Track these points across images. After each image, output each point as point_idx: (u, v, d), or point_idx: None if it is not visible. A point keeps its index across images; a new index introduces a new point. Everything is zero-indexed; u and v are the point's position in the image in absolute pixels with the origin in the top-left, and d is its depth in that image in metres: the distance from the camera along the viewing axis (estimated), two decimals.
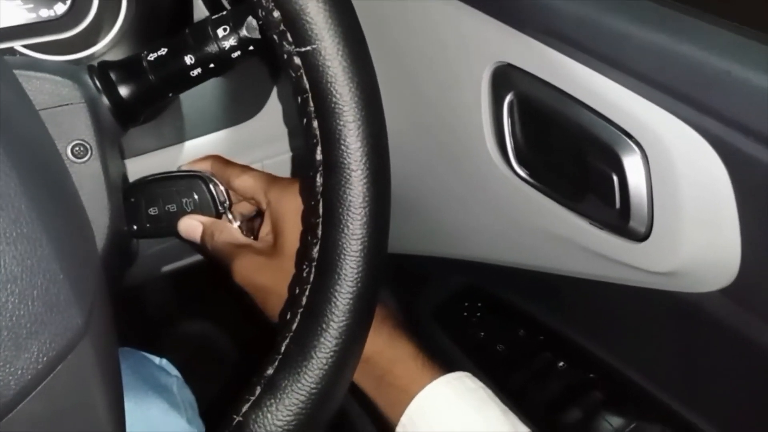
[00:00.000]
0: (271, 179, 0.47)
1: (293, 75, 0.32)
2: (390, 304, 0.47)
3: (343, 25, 0.31)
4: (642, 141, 0.38)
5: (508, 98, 0.45)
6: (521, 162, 0.46)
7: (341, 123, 0.31)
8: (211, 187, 0.47)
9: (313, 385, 0.31)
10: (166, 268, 0.74)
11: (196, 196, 0.48)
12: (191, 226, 0.48)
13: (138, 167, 0.56)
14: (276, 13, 0.31)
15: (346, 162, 0.32)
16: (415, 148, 0.55)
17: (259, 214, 0.50)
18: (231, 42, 0.40)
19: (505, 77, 0.44)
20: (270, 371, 0.32)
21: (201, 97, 0.57)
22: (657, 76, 0.37)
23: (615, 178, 0.40)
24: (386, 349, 0.42)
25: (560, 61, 0.40)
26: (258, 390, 0.32)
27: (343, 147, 0.31)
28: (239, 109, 0.58)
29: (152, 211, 0.49)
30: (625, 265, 0.42)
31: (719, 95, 0.35)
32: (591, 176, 0.41)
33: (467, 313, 0.59)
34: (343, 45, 0.31)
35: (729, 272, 0.38)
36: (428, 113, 0.52)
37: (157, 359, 0.55)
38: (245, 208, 0.50)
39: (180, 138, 0.57)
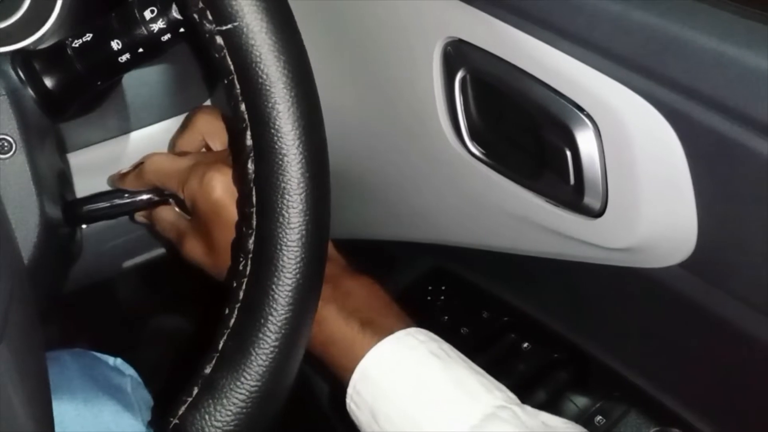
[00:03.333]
0: (187, 170, 0.43)
1: (216, 56, 0.30)
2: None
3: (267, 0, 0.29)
4: (594, 114, 0.37)
5: (459, 74, 0.44)
6: (475, 140, 0.45)
7: (269, 105, 0.29)
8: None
9: (253, 384, 0.30)
10: (128, 263, 0.72)
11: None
12: (140, 221, 0.51)
13: (82, 160, 0.54)
14: None
15: (277, 146, 0.30)
16: (371, 130, 0.53)
17: None
18: (159, 24, 0.37)
19: (457, 53, 0.43)
20: (207, 370, 0.30)
21: (146, 84, 0.55)
22: (609, 46, 0.35)
23: (568, 153, 0.39)
24: (318, 333, 0.40)
25: (511, 35, 0.38)
26: (195, 390, 0.30)
27: (273, 130, 0.30)
28: (186, 95, 0.56)
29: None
30: (582, 242, 0.41)
31: (671, 63, 0.34)
32: (545, 153, 0.40)
33: (431, 297, 0.58)
34: (267, 21, 0.29)
35: (687, 246, 0.37)
36: (382, 93, 0.51)
37: (111, 359, 0.53)
38: None
39: (125, 129, 0.55)
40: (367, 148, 0.55)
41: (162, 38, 0.38)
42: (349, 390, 0.39)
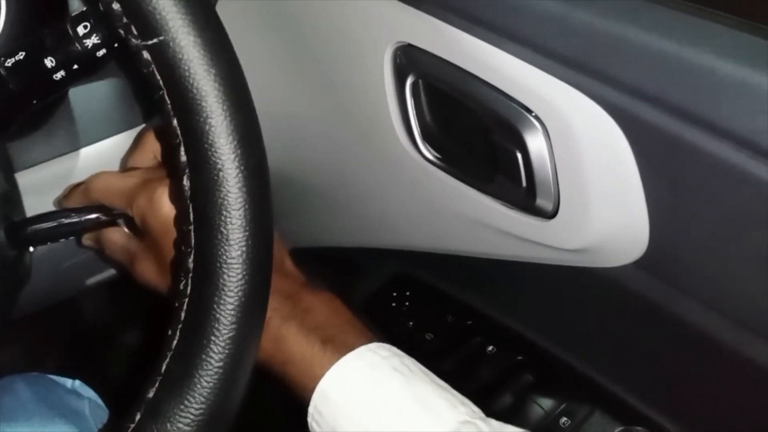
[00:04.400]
0: (135, 188, 0.42)
1: (144, 71, 0.29)
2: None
3: (192, 11, 0.28)
4: (542, 116, 0.37)
5: (410, 79, 0.43)
6: (429, 144, 0.45)
7: (201, 119, 0.28)
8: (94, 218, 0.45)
9: (197, 407, 0.29)
10: (91, 280, 0.70)
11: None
12: (88, 244, 0.49)
13: (31, 179, 0.53)
14: (116, 5, 0.28)
15: (212, 161, 0.29)
16: (327, 137, 0.53)
17: None
18: (93, 40, 0.36)
19: (406, 57, 0.43)
20: (150, 394, 0.29)
21: (94, 99, 0.54)
22: (554, 46, 0.35)
23: (519, 156, 0.39)
24: (276, 352, 0.39)
25: (459, 38, 0.38)
26: (138, 416, 0.29)
27: (207, 145, 0.29)
28: (137, 110, 0.54)
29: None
30: (537, 244, 0.41)
31: (615, 62, 0.34)
32: (496, 155, 0.40)
33: (396, 303, 0.57)
34: (194, 34, 0.28)
35: (640, 244, 0.37)
36: (335, 99, 0.50)
37: (69, 382, 0.52)
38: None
39: (75, 145, 0.54)
40: (324, 155, 0.55)
41: (97, 54, 0.37)
42: (310, 409, 0.38)
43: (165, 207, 0.39)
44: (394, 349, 0.40)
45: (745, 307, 0.35)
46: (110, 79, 0.53)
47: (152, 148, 0.46)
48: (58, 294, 0.71)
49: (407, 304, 0.57)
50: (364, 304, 0.61)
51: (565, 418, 0.45)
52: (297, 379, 0.39)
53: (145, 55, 0.29)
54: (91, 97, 0.53)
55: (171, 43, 0.28)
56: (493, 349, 0.51)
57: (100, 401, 0.52)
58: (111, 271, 0.70)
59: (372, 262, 0.64)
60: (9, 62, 0.37)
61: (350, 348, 0.38)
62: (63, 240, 0.53)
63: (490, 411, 0.46)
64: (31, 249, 0.47)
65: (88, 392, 0.52)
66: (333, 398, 0.38)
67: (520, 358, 0.50)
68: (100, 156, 0.54)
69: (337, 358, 0.38)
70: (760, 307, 0.33)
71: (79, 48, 0.36)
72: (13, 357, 0.87)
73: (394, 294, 0.58)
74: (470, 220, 0.44)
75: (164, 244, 0.40)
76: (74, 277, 0.68)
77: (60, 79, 0.37)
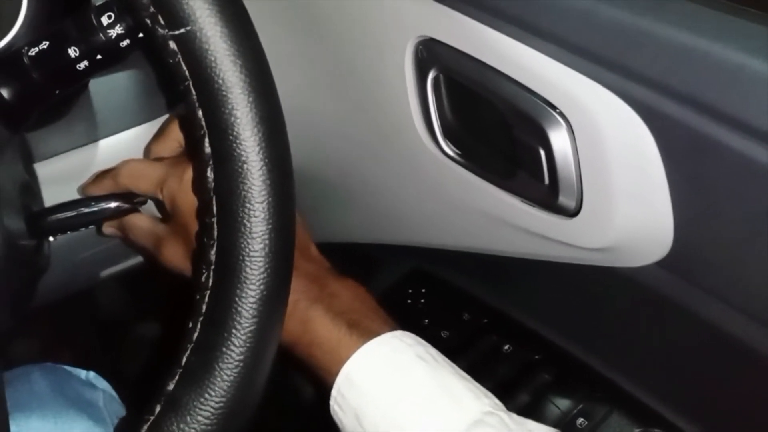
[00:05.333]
0: (164, 171, 0.42)
1: (171, 61, 0.29)
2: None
3: (220, 2, 0.28)
4: (567, 112, 0.36)
5: (432, 74, 0.43)
6: (449, 140, 0.45)
7: (227, 111, 0.28)
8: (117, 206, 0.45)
9: (217, 400, 0.29)
10: (106, 272, 0.71)
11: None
12: (110, 231, 0.49)
13: (50, 170, 0.53)
14: None
15: (237, 153, 0.29)
16: (346, 132, 0.53)
17: None
18: (118, 30, 0.36)
19: (428, 52, 0.42)
20: (170, 387, 0.29)
21: (114, 91, 0.54)
22: (579, 42, 0.35)
23: (542, 152, 0.38)
24: (303, 334, 0.39)
25: (482, 33, 0.38)
26: (158, 408, 0.29)
27: (232, 137, 0.28)
28: (156, 102, 0.54)
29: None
30: (559, 243, 0.40)
31: (642, 58, 0.33)
32: (519, 152, 0.40)
33: (411, 300, 0.57)
34: (221, 24, 0.28)
35: (663, 244, 0.36)
36: (355, 94, 0.50)
37: (83, 373, 0.52)
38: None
39: (94, 137, 0.54)
40: (343, 151, 0.54)
41: (121, 44, 0.37)
42: (333, 392, 0.38)
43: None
44: (418, 338, 0.40)
45: None
46: (131, 71, 0.53)
47: (177, 137, 0.46)
48: (74, 285, 0.71)
49: (423, 300, 0.57)
50: (379, 300, 0.61)
51: (582, 419, 0.45)
52: (322, 361, 0.39)
53: (172, 45, 0.28)
54: (111, 88, 0.53)
55: (198, 34, 0.28)
56: (509, 347, 0.51)
57: (114, 393, 0.52)
58: (126, 263, 0.70)
59: (388, 258, 0.63)
60: (32, 52, 0.37)
61: (375, 334, 0.38)
62: (81, 230, 0.53)
63: (506, 409, 0.46)
64: (51, 239, 0.47)
65: (103, 384, 0.52)
66: (357, 382, 0.38)
67: (537, 357, 0.49)
68: (120, 147, 0.54)
69: (362, 343, 0.38)
70: None
71: (103, 38, 0.36)
72: (29, 348, 0.88)
73: (410, 290, 0.58)
74: (490, 218, 0.44)
75: (194, 225, 0.40)
76: (90, 268, 0.68)
77: (83, 69, 0.37)
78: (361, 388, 0.38)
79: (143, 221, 0.46)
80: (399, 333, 0.39)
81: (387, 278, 0.63)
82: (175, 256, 0.43)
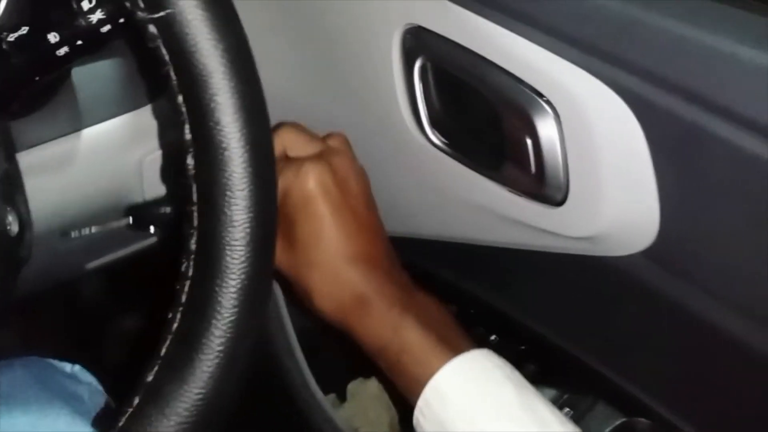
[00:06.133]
0: (280, 162, 0.43)
1: (151, 46, 0.28)
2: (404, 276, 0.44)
3: None
4: (554, 101, 0.36)
5: (419, 62, 0.43)
6: (437, 129, 0.44)
7: (207, 96, 0.28)
8: None
9: (197, 391, 0.28)
10: (92, 264, 0.70)
11: None
12: None
13: (33, 160, 0.52)
14: None
15: (217, 140, 0.28)
16: (333, 120, 0.52)
17: None
18: (98, 15, 0.36)
19: (416, 40, 0.42)
20: (150, 378, 0.29)
21: (98, 79, 0.53)
22: (567, 29, 0.35)
23: (529, 141, 0.38)
24: (393, 339, 0.40)
25: (470, 20, 0.37)
26: (137, 400, 0.28)
27: (212, 123, 0.28)
28: (141, 90, 0.54)
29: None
30: (545, 232, 0.40)
31: (631, 46, 0.33)
32: (505, 141, 0.39)
33: None
34: (202, 8, 0.27)
35: (649, 233, 0.36)
36: (342, 82, 0.49)
37: (68, 366, 0.51)
38: None
39: (77, 126, 0.53)
40: None
41: (102, 30, 0.36)
42: (419, 402, 0.38)
43: (310, 181, 0.41)
44: (503, 358, 0.40)
45: (755, 299, 0.34)
46: (114, 59, 0.52)
47: (283, 142, 0.45)
48: (58, 276, 0.71)
49: None
50: None
51: (568, 409, 0.45)
52: (410, 369, 0.39)
53: (152, 28, 0.28)
54: (94, 77, 0.52)
55: (178, 17, 0.27)
56: (495, 338, 0.50)
57: (99, 386, 0.52)
58: (113, 255, 0.69)
59: None
60: (12, 37, 0.36)
61: (465, 350, 0.39)
62: (66, 220, 0.52)
63: None
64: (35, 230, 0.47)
65: (88, 377, 0.51)
66: (446, 393, 0.38)
67: (523, 348, 0.49)
68: (103, 137, 0.54)
69: (452, 356, 0.38)
70: None
71: (84, 23, 0.36)
72: (12, 340, 0.87)
73: None
74: (478, 207, 0.44)
75: (300, 217, 0.41)
76: (75, 260, 0.67)
77: (64, 55, 0.37)
78: (450, 399, 0.38)
79: None
80: (486, 351, 0.40)
81: None
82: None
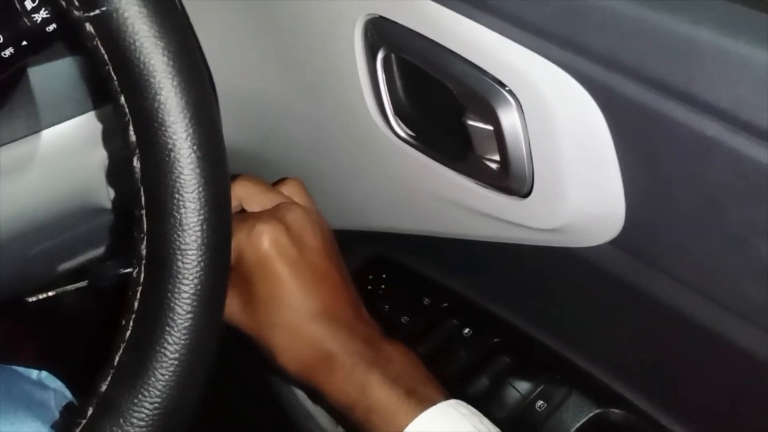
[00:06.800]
0: (240, 219, 0.42)
1: (89, 45, 0.27)
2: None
3: None
4: (516, 90, 0.35)
5: (381, 53, 0.42)
6: (402, 122, 0.43)
7: (150, 96, 0.27)
8: None
9: (152, 401, 0.27)
10: (64, 266, 0.69)
11: None
12: None
13: None
14: None
15: (163, 141, 0.27)
16: (296, 114, 0.51)
17: None
18: (43, 14, 0.34)
19: (377, 31, 0.41)
20: (103, 388, 0.28)
21: (55, 78, 0.52)
22: (524, 15, 0.34)
23: (492, 132, 0.37)
24: (361, 398, 0.39)
25: (430, 9, 0.37)
26: (90, 411, 0.27)
27: (156, 124, 0.27)
28: (101, 88, 0.52)
29: None
30: (512, 224, 0.39)
31: (589, 32, 0.32)
32: (469, 132, 0.39)
33: (372, 286, 0.56)
34: (140, 4, 0.26)
35: (616, 223, 0.35)
36: (306, 75, 0.48)
37: (34, 373, 0.50)
38: None
39: (35, 127, 0.52)
40: (295, 134, 0.53)
41: (47, 29, 0.35)
42: None
43: (264, 242, 0.40)
44: (472, 408, 0.40)
45: (723, 286, 0.34)
46: (71, 58, 0.51)
47: (238, 195, 0.44)
48: (27, 281, 0.69)
49: (383, 286, 0.56)
50: None
51: (542, 402, 0.44)
52: (378, 427, 0.39)
53: (88, 27, 0.27)
54: (51, 76, 0.51)
55: (115, 14, 0.26)
56: (469, 331, 0.50)
57: (67, 392, 0.51)
58: (83, 257, 0.68)
59: (348, 245, 0.62)
60: None
61: (432, 402, 0.38)
62: (31, 225, 0.51)
63: (467, 395, 0.46)
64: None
65: (55, 383, 0.50)
66: None
67: (496, 340, 0.49)
68: (63, 138, 0.52)
69: (420, 410, 0.38)
70: (738, 286, 0.32)
71: (28, 23, 0.34)
72: None
73: (370, 277, 0.57)
74: (445, 200, 0.43)
75: (257, 278, 0.40)
76: (45, 263, 0.66)
77: (9, 56, 0.35)
78: None
79: None
80: (454, 402, 0.39)
81: (347, 265, 0.62)
82: (229, 307, 0.41)
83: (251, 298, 0.41)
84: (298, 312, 0.40)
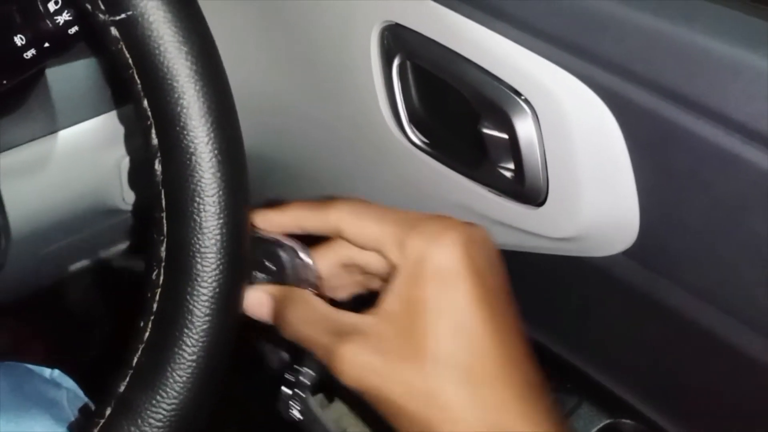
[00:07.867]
0: (410, 220, 0.31)
1: (113, 49, 0.27)
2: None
3: None
4: (531, 99, 0.36)
5: (397, 60, 0.42)
6: (416, 128, 0.44)
7: (173, 100, 0.27)
8: (292, 259, 0.33)
9: (169, 402, 0.28)
10: (75, 266, 0.69)
11: (273, 267, 0.33)
12: (256, 300, 0.32)
13: (8, 163, 0.52)
14: None
15: (184, 144, 0.27)
16: (311, 119, 0.52)
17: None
18: (65, 17, 0.35)
19: (394, 37, 0.41)
20: (121, 389, 0.28)
21: (73, 80, 0.52)
22: (542, 24, 0.34)
23: (507, 140, 0.37)
24: None
25: (447, 17, 0.37)
26: (108, 411, 0.28)
27: (179, 128, 0.27)
28: (118, 90, 0.53)
29: None
30: (525, 232, 0.39)
31: (606, 41, 0.32)
32: (484, 140, 0.39)
33: None
34: (165, 9, 0.27)
35: (630, 233, 0.35)
36: (322, 81, 0.49)
37: (47, 371, 0.50)
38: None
39: (52, 127, 0.52)
40: (310, 138, 0.53)
41: (69, 31, 0.35)
42: None
43: (457, 251, 0.29)
44: None
45: (737, 297, 0.34)
46: (89, 59, 0.51)
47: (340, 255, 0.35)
48: (39, 280, 0.70)
49: None
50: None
51: None
52: None
53: (113, 31, 0.27)
54: (69, 77, 0.51)
55: (140, 19, 0.27)
56: None
57: (79, 391, 0.51)
58: (95, 257, 0.69)
59: None
60: None
61: None
62: (45, 224, 0.51)
63: None
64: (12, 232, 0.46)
65: (67, 382, 0.51)
66: None
67: None
68: (79, 139, 0.53)
69: None
70: (753, 298, 0.32)
71: (50, 25, 0.35)
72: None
73: None
74: (457, 207, 0.43)
75: (435, 309, 0.29)
76: (57, 263, 0.67)
77: (31, 57, 0.36)
78: None
79: (320, 303, 0.32)
80: None
81: None
82: (359, 369, 0.29)
83: (413, 342, 0.28)
84: (491, 360, 0.29)
